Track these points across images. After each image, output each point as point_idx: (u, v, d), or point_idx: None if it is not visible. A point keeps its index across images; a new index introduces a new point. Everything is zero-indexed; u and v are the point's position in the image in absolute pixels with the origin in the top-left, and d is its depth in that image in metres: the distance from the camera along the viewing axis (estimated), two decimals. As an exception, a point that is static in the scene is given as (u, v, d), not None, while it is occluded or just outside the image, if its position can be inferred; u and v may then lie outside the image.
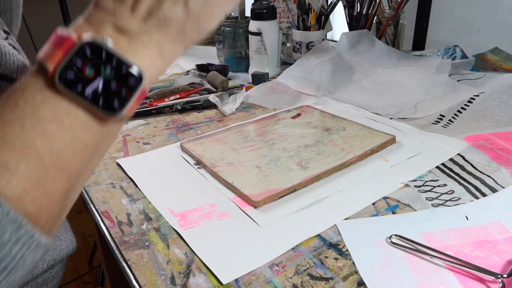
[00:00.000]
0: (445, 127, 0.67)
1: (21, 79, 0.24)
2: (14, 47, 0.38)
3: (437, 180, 0.53)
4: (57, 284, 0.49)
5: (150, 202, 0.51)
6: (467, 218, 0.45)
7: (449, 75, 0.82)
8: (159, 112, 0.80)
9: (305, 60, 0.94)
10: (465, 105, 0.68)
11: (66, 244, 0.48)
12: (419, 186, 0.52)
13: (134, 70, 0.24)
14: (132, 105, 0.25)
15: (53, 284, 0.48)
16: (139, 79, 0.25)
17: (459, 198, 0.49)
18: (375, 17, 1.03)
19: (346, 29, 1.07)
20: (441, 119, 0.68)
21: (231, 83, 0.94)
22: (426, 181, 0.53)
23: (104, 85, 0.24)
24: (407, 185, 0.52)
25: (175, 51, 0.27)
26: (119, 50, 0.24)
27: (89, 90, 0.23)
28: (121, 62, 0.24)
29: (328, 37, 1.18)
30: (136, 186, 0.55)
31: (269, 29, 0.96)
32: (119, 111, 0.24)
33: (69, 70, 0.23)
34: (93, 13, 0.25)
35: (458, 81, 0.81)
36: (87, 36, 0.24)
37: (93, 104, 0.24)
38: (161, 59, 0.26)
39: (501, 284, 0.36)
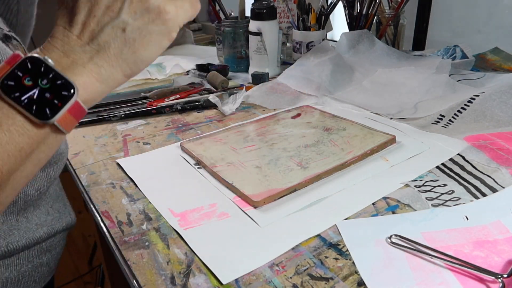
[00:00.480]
0: (445, 127, 0.67)
1: None
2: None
3: (437, 180, 0.53)
4: (59, 253, 0.53)
5: (150, 202, 0.51)
6: (467, 218, 0.45)
7: (449, 75, 0.82)
8: (159, 112, 0.80)
9: (305, 60, 0.94)
10: (465, 105, 0.68)
11: (65, 215, 0.52)
12: (419, 186, 0.52)
13: (68, 84, 0.28)
14: (65, 115, 0.28)
15: (55, 251, 0.53)
16: (72, 92, 0.28)
17: (459, 198, 0.49)
18: (375, 17, 1.03)
19: (346, 29, 1.06)
20: (441, 119, 0.68)
21: (231, 83, 0.94)
22: (426, 181, 0.53)
23: (39, 94, 0.27)
24: (407, 185, 0.52)
25: (113, 75, 0.30)
26: (60, 67, 0.28)
27: (25, 97, 0.27)
28: (57, 76, 0.28)
29: (328, 37, 1.18)
30: (136, 186, 0.55)
31: (269, 29, 0.96)
32: (50, 118, 0.28)
33: (10, 79, 0.27)
34: (47, 41, 0.30)
35: (458, 81, 0.81)
36: (30, 55, 0.28)
37: (27, 110, 0.27)
38: (98, 79, 0.30)
39: (501, 284, 0.36)
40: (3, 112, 0.27)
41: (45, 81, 0.28)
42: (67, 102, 0.28)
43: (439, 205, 0.48)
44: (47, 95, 0.28)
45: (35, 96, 0.27)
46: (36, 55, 0.28)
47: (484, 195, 0.49)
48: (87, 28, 0.30)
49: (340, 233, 0.44)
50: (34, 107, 0.27)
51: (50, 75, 0.28)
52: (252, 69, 1.00)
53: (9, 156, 0.27)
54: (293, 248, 0.42)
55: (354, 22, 1.04)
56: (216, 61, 1.13)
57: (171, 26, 0.31)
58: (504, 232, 0.43)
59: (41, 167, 0.31)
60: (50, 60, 0.28)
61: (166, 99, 0.84)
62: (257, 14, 0.95)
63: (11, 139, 0.27)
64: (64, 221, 0.51)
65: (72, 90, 0.28)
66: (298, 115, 0.75)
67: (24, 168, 0.29)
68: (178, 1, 0.31)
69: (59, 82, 0.28)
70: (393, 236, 0.42)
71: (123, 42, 0.30)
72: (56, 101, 0.28)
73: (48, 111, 0.28)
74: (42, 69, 0.28)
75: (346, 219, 0.46)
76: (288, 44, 1.19)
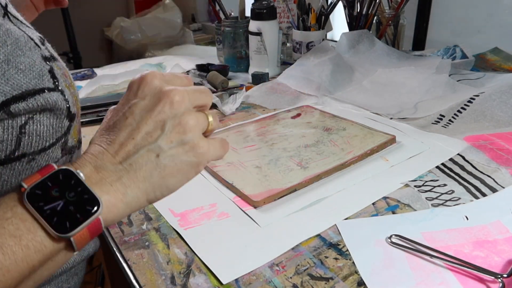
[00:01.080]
0: (445, 127, 0.67)
1: None
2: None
3: (437, 180, 0.53)
4: (82, 277, 0.50)
5: (150, 202, 0.51)
6: (467, 218, 0.45)
7: (449, 75, 0.82)
8: (159, 112, 0.80)
9: (305, 60, 0.95)
10: (465, 105, 0.68)
11: (93, 241, 0.49)
12: (419, 186, 0.52)
13: (94, 199, 0.28)
14: (83, 232, 0.27)
15: (81, 275, 0.49)
16: (96, 208, 0.28)
17: (459, 198, 0.49)
18: (375, 17, 1.03)
19: (346, 29, 1.06)
20: (441, 119, 0.68)
21: (231, 83, 0.94)
22: (426, 181, 0.53)
23: (63, 206, 0.27)
24: (407, 185, 0.52)
25: (137, 197, 0.30)
26: (89, 183, 0.28)
27: (48, 207, 0.27)
28: (84, 191, 0.28)
29: (328, 37, 1.18)
30: (136, 186, 0.55)
31: (269, 29, 0.96)
32: (68, 232, 0.27)
33: (39, 188, 0.27)
34: (82, 156, 0.30)
35: (458, 81, 0.81)
36: (63, 167, 0.28)
37: (48, 221, 0.26)
38: (122, 200, 0.29)
39: (501, 284, 0.36)
40: (26, 226, 0.26)
41: (72, 194, 0.28)
42: (89, 217, 0.27)
43: (439, 205, 0.48)
44: (71, 208, 0.27)
45: (58, 208, 0.27)
46: (70, 168, 0.28)
47: (484, 195, 0.49)
48: (124, 148, 0.30)
49: (340, 233, 0.44)
50: (54, 219, 0.27)
51: (78, 189, 0.28)
52: (252, 69, 1.00)
53: (19, 275, 0.26)
54: (293, 248, 0.42)
55: (354, 22, 1.04)
56: (216, 61, 1.13)
57: (201, 160, 0.32)
58: (504, 232, 0.43)
59: (38, 284, 0.29)
60: (81, 174, 0.28)
61: (166, 99, 0.84)
62: (257, 14, 0.95)
63: (27, 255, 0.26)
64: (92, 247, 0.48)
65: (96, 207, 0.28)
66: (298, 115, 0.75)
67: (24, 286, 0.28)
68: (211, 140, 0.33)
69: (85, 196, 0.28)
70: (393, 236, 0.42)
71: (154, 167, 0.30)
72: (78, 215, 0.27)
73: (67, 225, 0.27)
74: (72, 182, 0.28)
75: (346, 219, 0.46)
76: (288, 44, 1.19)
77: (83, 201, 0.28)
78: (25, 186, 0.27)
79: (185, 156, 0.31)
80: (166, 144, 0.30)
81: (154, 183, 0.31)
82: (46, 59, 0.32)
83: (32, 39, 0.32)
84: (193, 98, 0.32)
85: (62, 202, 0.27)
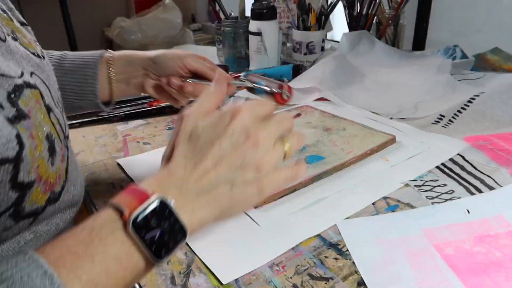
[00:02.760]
0: (445, 127, 0.67)
1: (97, 213, 0.30)
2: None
3: (437, 180, 0.53)
4: None
5: (150, 202, 0.51)
6: (468, 212, 0.45)
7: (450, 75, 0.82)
8: (160, 112, 0.80)
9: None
10: (465, 105, 0.68)
11: None
12: (419, 186, 0.52)
13: (183, 229, 0.31)
14: (171, 255, 0.30)
15: None
16: (184, 235, 0.31)
17: (459, 198, 0.49)
18: (375, 17, 1.03)
19: (346, 29, 1.06)
20: (441, 119, 0.68)
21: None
22: (426, 181, 0.53)
23: (160, 236, 0.29)
24: (407, 185, 0.52)
25: (207, 221, 0.33)
26: (176, 208, 0.30)
27: (148, 236, 0.29)
28: (176, 221, 0.30)
29: (328, 37, 1.18)
30: (136, 186, 0.55)
31: (269, 29, 0.96)
32: (163, 258, 0.30)
33: (141, 218, 0.29)
34: (166, 176, 0.33)
35: (458, 81, 0.81)
36: (158, 195, 0.30)
37: (148, 249, 0.29)
38: (199, 222, 0.32)
39: None
40: (125, 249, 0.29)
41: (166, 224, 0.30)
42: (177, 245, 0.30)
43: (439, 204, 0.48)
44: (166, 237, 0.30)
45: (156, 237, 0.29)
46: (163, 198, 0.30)
47: (484, 195, 0.49)
48: (207, 176, 0.33)
49: (340, 233, 0.44)
50: (153, 247, 0.29)
51: (172, 219, 0.30)
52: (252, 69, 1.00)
53: None
54: (293, 248, 0.42)
55: (354, 22, 1.04)
56: (216, 61, 1.13)
57: (263, 195, 0.35)
58: (505, 225, 0.43)
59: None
60: (172, 204, 0.30)
61: (166, 99, 0.84)
62: (257, 14, 0.95)
63: (125, 275, 0.29)
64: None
65: (184, 235, 0.31)
66: (298, 115, 0.75)
67: None
68: (276, 175, 0.36)
69: (176, 226, 0.30)
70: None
71: (228, 197, 0.33)
72: (170, 243, 0.30)
73: (163, 252, 0.29)
74: (167, 212, 0.30)
75: (346, 218, 0.46)
76: (288, 44, 1.19)
77: (175, 231, 0.30)
78: (126, 212, 0.29)
79: (252, 190, 0.34)
80: (240, 179, 0.33)
81: (223, 210, 0.34)
82: (10, 121, 0.30)
83: None
84: (276, 133, 0.36)
85: (159, 231, 0.29)
